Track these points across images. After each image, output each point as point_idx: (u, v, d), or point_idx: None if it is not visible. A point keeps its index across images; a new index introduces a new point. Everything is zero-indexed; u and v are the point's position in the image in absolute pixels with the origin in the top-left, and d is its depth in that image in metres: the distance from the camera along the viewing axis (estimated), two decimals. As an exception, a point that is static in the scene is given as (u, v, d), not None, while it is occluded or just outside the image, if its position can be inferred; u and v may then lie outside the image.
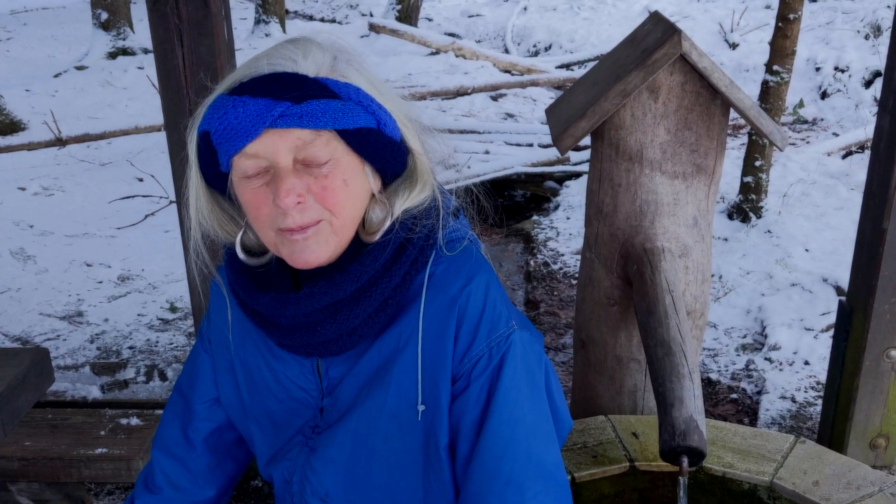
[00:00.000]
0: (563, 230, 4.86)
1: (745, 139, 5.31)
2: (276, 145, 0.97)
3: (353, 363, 1.11)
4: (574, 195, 5.30)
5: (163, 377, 3.27)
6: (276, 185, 0.98)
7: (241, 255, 1.10)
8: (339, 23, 12.23)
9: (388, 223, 1.06)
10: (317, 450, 1.14)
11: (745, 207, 4.52)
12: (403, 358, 1.08)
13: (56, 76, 8.80)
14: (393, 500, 1.13)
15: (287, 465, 1.18)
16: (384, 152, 1.04)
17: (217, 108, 0.97)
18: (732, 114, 2.13)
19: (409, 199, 1.07)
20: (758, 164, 4.41)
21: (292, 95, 0.95)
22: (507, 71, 8.60)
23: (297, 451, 1.17)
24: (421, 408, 1.07)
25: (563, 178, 5.68)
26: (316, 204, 1.00)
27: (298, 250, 1.01)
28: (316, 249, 1.02)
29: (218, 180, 1.05)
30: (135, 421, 2.31)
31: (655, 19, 2.24)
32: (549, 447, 1.10)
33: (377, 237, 1.05)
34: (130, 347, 3.63)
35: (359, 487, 1.13)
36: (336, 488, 1.14)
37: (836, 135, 6.24)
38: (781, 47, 4.18)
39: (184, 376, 1.32)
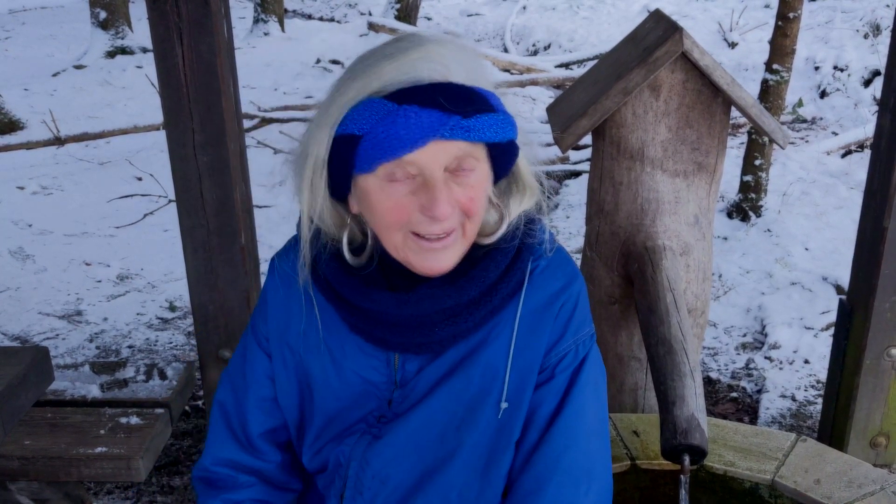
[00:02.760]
0: (563, 229, 4.86)
1: (744, 138, 5.31)
2: (437, 156, 0.97)
3: (433, 356, 1.11)
4: (574, 194, 5.30)
5: (162, 376, 3.25)
6: (429, 194, 0.97)
7: (347, 255, 1.09)
8: (338, 22, 12.22)
9: (504, 225, 1.07)
10: (382, 437, 1.14)
11: (745, 206, 4.52)
12: (491, 350, 1.08)
13: (55, 75, 8.78)
14: (446, 493, 1.13)
15: (343, 451, 1.16)
16: (513, 159, 1.06)
17: (379, 113, 0.95)
18: (733, 112, 2.12)
19: (522, 203, 1.09)
20: (757, 162, 4.41)
21: (461, 109, 0.95)
22: (506, 70, 8.59)
23: (357, 438, 1.16)
24: (504, 405, 1.08)
25: (562, 178, 5.68)
26: (457, 212, 1.00)
27: (432, 258, 1.02)
28: (448, 257, 1.03)
29: (343, 180, 1.03)
30: (134, 420, 2.31)
31: (657, 17, 2.24)
32: (605, 448, 1.15)
33: (491, 240, 1.07)
34: (130, 346, 3.62)
35: (418, 475, 1.13)
36: (399, 473, 1.14)
37: (835, 134, 6.24)
38: (781, 46, 4.18)
39: (237, 378, 1.26)
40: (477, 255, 1.06)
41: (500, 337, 1.08)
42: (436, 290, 1.04)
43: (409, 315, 1.05)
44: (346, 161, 0.99)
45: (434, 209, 0.97)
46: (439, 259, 1.02)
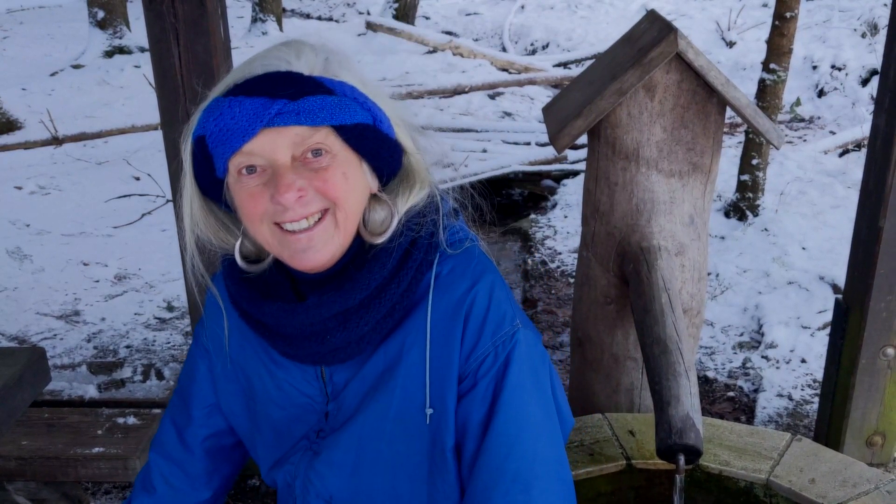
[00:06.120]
0: (561, 229, 4.87)
1: (741, 137, 5.31)
2: (275, 143, 0.96)
3: (357, 368, 1.10)
4: (571, 194, 5.30)
5: (160, 376, 3.26)
6: (274, 182, 0.97)
7: (240, 262, 1.09)
8: (337, 21, 12.21)
9: (394, 222, 1.05)
10: (321, 453, 1.14)
11: (742, 206, 4.52)
12: (408, 361, 1.07)
13: (53, 75, 8.78)
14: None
15: (289, 469, 1.17)
16: (381, 149, 1.04)
17: (212, 110, 0.97)
18: (729, 112, 2.13)
19: (410, 199, 1.07)
20: (754, 162, 4.42)
21: (288, 93, 0.95)
22: (504, 69, 8.59)
23: (300, 455, 1.16)
24: (429, 411, 1.07)
25: (560, 177, 5.69)
26: (317, 196, 0.99)
27: (301, 249, 1.00)
28: (321, 248, 1.01)
29: (214, 187, 1.03)
30: (131, 420, 2.31)
31: (652, 18, 2.24)
32: (554, 445, 1.10)
33: (383, 238, 1.05)
34: (127, 346, 3.62)
35: (363, 491, 1.13)
36: (340, 492, 1.14)
37: (832, 133, 6.25)
38: (778, 45, 4.18)
39: (182, 381, 1.31)
40: (364, 259, 1.05)
41: (414, 346, 1.07)
42: (324, 298, 1.03)
43: (301, 324, 1.04)
44: (205, 165, 1.00)
45: (279, 195, 0.96)
46: (311, 249, 1.01)
